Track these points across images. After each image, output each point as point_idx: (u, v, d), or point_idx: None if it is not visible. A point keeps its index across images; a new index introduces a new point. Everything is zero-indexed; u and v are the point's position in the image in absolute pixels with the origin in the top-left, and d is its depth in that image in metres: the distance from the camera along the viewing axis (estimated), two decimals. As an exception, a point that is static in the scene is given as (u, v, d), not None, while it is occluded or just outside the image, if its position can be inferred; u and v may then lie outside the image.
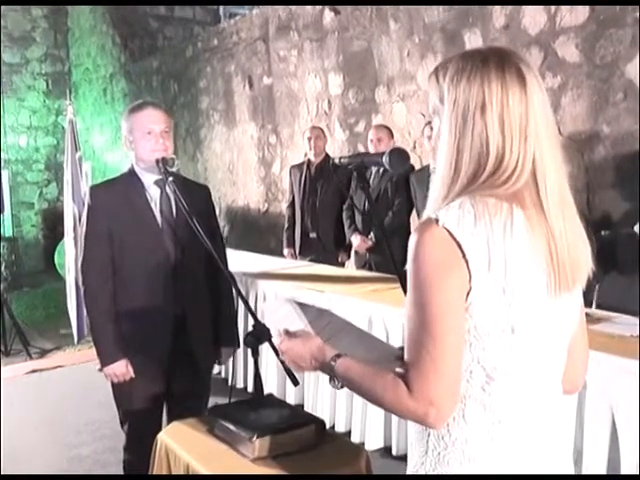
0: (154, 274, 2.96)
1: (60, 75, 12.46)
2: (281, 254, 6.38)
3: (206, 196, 3.23)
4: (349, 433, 4.19)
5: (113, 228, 2.94)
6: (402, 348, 1.52)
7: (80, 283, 3.10)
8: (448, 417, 1.32)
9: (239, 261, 5.51)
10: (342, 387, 1.51)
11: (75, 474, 3.94)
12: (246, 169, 8.55)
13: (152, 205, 2.99)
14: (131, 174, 3.04)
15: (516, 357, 1.33)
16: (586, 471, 2.85)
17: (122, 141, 3.08)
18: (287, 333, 1.61)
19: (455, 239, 1.28)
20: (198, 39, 9.33)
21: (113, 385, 3.04)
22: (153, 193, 2.99)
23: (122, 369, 2.95)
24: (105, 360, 2.97)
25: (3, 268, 9.27)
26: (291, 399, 4.54)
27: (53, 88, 12.32)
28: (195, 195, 3.06)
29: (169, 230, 2.98)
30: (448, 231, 1.28)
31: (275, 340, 1.76)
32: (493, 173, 1.32)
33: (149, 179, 2.98)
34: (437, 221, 1.30)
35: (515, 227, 1.30)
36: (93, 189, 3.06)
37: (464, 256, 1.28)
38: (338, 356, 1.47)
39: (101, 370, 3.00)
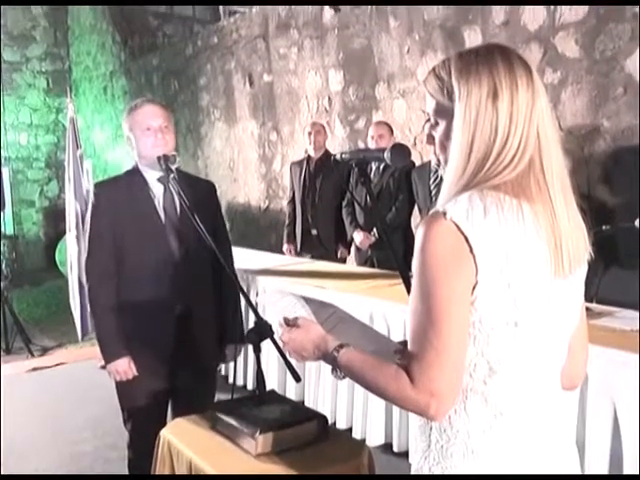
0: (157, 271, 2.94)
1: (60, 73, 12.46)
2: (281, 251, 6.37)
3: (211, 192, 3.21)
4: (350, 430, 4.18)
5: (117, 225, 2.94)
6: (402, 342, 1.53)
7: (84, 281, 3.10)
8: (449, 409, 1.33)
9: (240, 258, 5.50)
10: (344, 378, 1.51)
11: (76, 474, 3.94)
12: (247, 166, 8.55)
13: (155, 202, 2.98)
14: (134, 171, 3.04)
15: (518, 350, 1.34)
16: (589, 464, 2.86)
17: (124, 140, 3.08)
18: (288, 324, 1.60)
19: (463, 233, 1.28)
20: (198, 37, 9.33)
21: (117, 384, 3.03)
22: (156, 190, 2.99)
23: (125, 366, 2.95)
24: (108, 357, 2.96)
25: (4, 266, 9.24)
26: (292, 396, 4.54)
27: (53, 86, 12.32)
28: (199, 191, 3.05)
29: (172, 227, 2.97)
30: (456, 224, 1.28)
31: (277, 336, 1.75)
32: (498, 155, 1.32)
33: (152, 176, 2.98)
34: (445, 214, 1.29)
35: (523, 221, 1.30)
36: (97, 187, 3.07)
37: (471, 250, 1.28)
38: (341, 346, 1.47)
39: (104, 367, 3.00)
